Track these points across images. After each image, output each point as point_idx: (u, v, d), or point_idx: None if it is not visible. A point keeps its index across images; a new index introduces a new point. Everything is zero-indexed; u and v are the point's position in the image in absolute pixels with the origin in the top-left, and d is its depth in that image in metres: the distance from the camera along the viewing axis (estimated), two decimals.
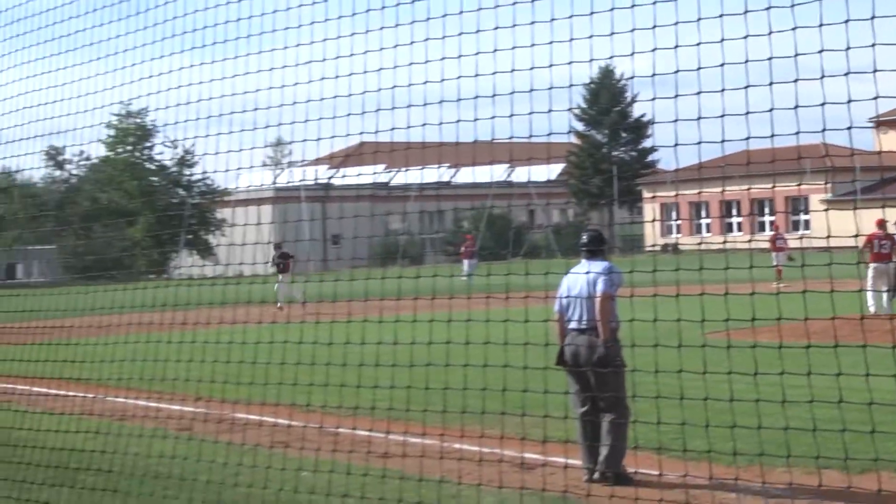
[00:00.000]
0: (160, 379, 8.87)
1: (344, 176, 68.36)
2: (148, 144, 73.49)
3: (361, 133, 6.60)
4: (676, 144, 5.98)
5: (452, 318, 6.48)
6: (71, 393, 12.28)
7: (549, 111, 5.92)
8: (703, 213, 65.55)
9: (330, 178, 68.93)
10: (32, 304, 9.83)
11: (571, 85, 6.00)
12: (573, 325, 9.27)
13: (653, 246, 56.84)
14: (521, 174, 68.37)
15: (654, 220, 63.54)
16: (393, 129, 6.39)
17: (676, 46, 5.79)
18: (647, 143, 77.54)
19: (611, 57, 6.06)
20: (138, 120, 69.23)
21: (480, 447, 6.94)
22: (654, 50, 5.87)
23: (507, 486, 6.93)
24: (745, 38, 5.58)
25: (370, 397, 7.08)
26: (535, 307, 6.25)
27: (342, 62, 6.31)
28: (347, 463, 7.93)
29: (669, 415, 6.92)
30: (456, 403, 7.03)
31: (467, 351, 6.43)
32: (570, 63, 5.90)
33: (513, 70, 5.86)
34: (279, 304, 27.54)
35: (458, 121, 6.10)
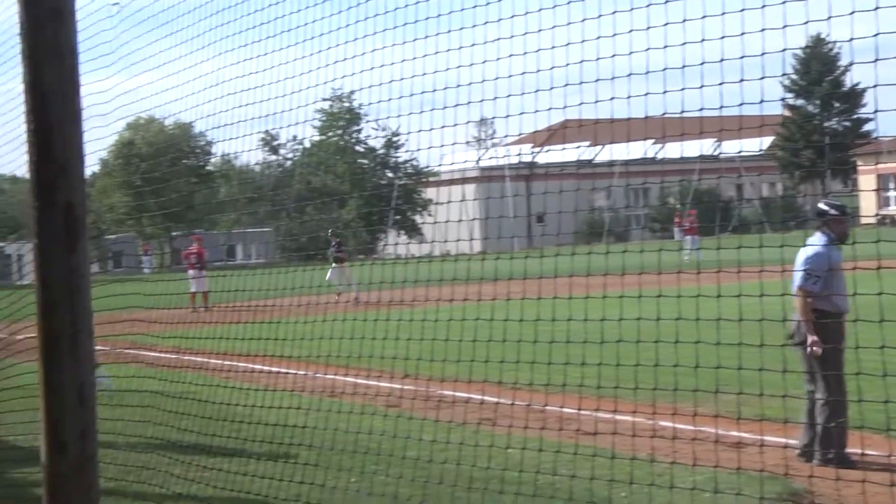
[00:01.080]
0: (368, 356, 9.12)
1: (548, 151, 68.25)
2: (357, 127, 75.28)
3: (564, 108, 6.50)
4: (876, 111, 5.75)
5: (663, 294, 6.38)
6: (283, 370, 12.75)
7: (741, 80, 5.77)
8: None
9: (534, 155, 69.07)
10: (249, 284, 10.21)
11: (764, 53, 5.81)
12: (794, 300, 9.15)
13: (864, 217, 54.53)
14: (729, 147, 66.80)
15: (853, 191, 60.92)
16: (596, 102, 6.27)
17: (876, 8, 5.55)
18: (862, 112, 74.42)
19: (805, 22, 5.85)
20: (347, 104, 70.95)
21: (674, 423, 6.88)
22: (852, 13, 5.65)
23: (700, 463, 6.83)
24: None
25: (578, 374, 7.07)
26: (728, 284, 6.11)
27: (544, 35, 6.26)
28: (558, 441, 7.93)
29: (874, 393, 6.70)
30: (650, 380, 6.97)
31: (676, 327, 6.33)
32: (761, 31, 5.73)
33: (700, 40, 5.73)
34: (338, 292, 26.54)
35: (645, 93, 6.01)
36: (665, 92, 5.99)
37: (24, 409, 10.86)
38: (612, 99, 6.06)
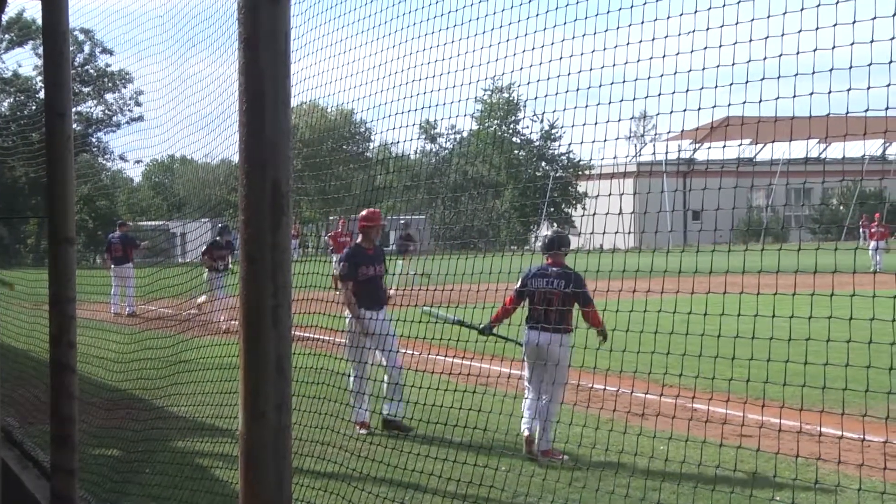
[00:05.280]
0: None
1: (708, 148, 67.18)
2: (514, 119, 75.35)
3: (728, 106, 6.44)
4: None
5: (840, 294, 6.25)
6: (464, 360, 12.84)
7: None
8: None
9: (693, 152, 68.03)
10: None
11: None
12: None
13: None
14: None
15: None
16: (760, 101, 6.22)
17: None
18: None
19: None
20: (506, 94, 71.16)
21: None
22: None
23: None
24: None
25: (727, 372, 7.00)
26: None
27: (712, 34, 6.22)
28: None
29: None
30: (817, 382, 6.83)
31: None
32: None
33: (870, 41, 5.57)
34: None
35: (810, 92, 5.90)
36: (829, 92, 5.86)
37: (188, 381, 11.21)
38: (776, 99, 5.98)
